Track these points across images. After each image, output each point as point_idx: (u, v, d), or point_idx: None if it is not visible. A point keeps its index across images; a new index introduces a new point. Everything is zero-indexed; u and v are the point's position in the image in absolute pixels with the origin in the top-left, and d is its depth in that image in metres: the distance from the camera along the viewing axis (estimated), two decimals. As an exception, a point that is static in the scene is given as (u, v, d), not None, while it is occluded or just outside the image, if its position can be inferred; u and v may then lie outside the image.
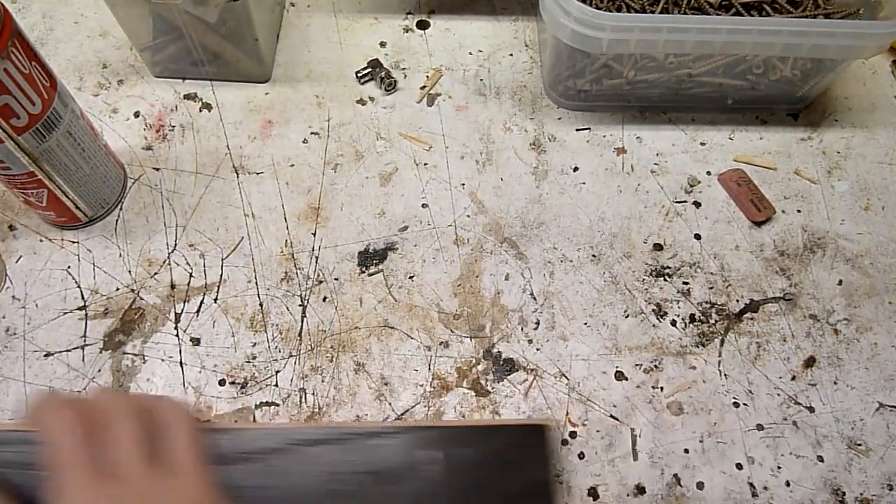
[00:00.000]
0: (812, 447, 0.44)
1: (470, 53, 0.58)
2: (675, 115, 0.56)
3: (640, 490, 0.43)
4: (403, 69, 0.57)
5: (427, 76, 0.57)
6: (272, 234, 0.50)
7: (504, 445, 0.37)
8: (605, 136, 0.54)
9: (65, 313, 0.46)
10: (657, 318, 0.48)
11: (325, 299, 0.48)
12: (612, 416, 0.45)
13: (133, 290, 0.47)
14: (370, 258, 0.49)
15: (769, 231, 0.51)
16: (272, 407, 0.44)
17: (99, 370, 0.45)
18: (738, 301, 0.48)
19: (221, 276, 0.48)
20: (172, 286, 0.48)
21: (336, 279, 0.48)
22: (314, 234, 0.50)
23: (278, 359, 0.46)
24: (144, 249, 0.49)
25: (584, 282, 0.49)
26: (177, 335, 0.46)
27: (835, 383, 0.46)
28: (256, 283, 0.48)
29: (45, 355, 0.45)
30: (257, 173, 0.52)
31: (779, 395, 0.46)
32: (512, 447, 0.37)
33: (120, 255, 0.48)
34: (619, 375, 0.46)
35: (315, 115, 0.55)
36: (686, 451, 0.44)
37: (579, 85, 0.53)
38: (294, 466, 0.35)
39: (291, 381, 0.45)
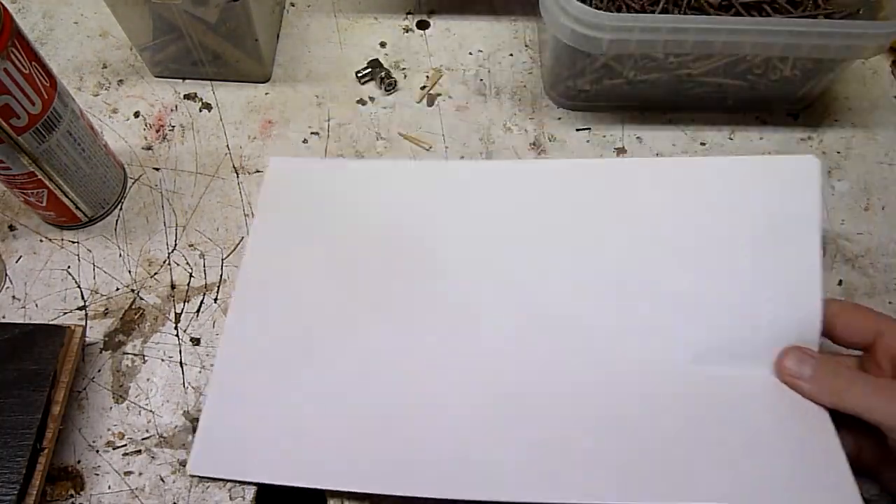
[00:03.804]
0: (812, 447, 0.44)
1: (470, 53, 0.58)
2: (675, 115, 0.55)
3: (640, 490, 0.42)
4: (403, 69, 0.57)
5: (427, 76, 0.57)
6: (272, 234, 0.50)
7: (9, 338, 0.42)
8: (605, 136, 0.54)
9: (65, 313, 0.46)
10: (657, 318, 0.48)
11: (325, 299, 0.48)
12: (612, 416, 0.45)
13: (133, 290, 0.47)
14: (370, 258, 0.49)
15: (769, 231, 0.51)
16: (272, 407, 0.44)
17: (99, 370, 0.45)
18: (738, 301, 0.48)
19: (221, 276, 0.48)
20: (172, 286, 0.48)
21: (336, 279, 0.48)
22: (314, 234, 0.50)
23: (278, 359, 0.46)
24: (144, 249, 0.49)
25: (584, 282, 0.49)
26: (177, 335, 0.46)
27: (835, 383, 0.46)
28: (256, 283, 0.48)
29: (45, 355, 0.45)
30: (257, 173, 0.52)
31: (779, 395, 0.45)
32: (18, 342, 0.41)
33: (120, 255, 0.48)
34: (619, 375, 0.46)
35: (315, 115, 0.55)
36: (686, 451, 0.44)
37: (579, 85, 0.53)
38: None
39: (291, 381, 0.45)
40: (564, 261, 0.45)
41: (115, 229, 0.49)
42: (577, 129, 0.55)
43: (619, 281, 0.44)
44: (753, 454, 0.38)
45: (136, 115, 0.54)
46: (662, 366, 0.41)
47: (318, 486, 0.40)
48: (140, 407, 0.44)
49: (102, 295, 0.47)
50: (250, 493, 0.41)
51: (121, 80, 0.56)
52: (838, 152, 0.55)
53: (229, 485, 0.41)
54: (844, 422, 0.38)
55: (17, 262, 0.48)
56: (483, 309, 0.45)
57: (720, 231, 0.43)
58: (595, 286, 0.44)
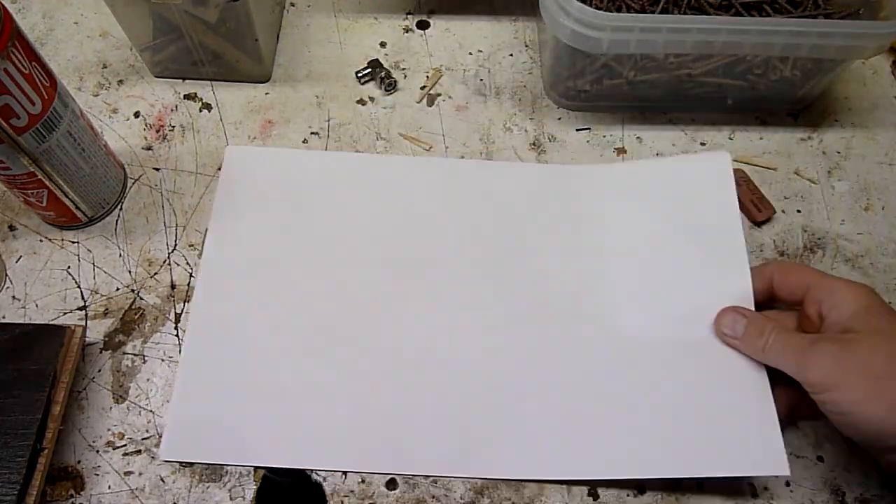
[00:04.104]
0: (812, 447, 0.44)
1: (470, 53, 0.58)
2: (675, 115, 0.56)
3: (640, 490, 0.42)
4: (403, 69, 0.57)
5: (427, 76, 0.57)
6: (272, 234, 0.50)
7: (9, 338, 0.42)
8: (605, 137, 0.54)
9: (65, 313, 0.46)
10: (657, 318, 0.48)
11: (325, 299, 0.48)
12: (612, 416, 0.45)
13: (133, 290, 0.47)
14: (370, 258, 0.49)
15: (769, 231, 0.51)
16: (272, 407, 0.44)
17: (99, 370, 0.45)
18: (738, 301, 0.48)
19: (221, 276, 0.48)
20: (172, 286, 0.48)
21: (336, 279, 0.48)
22: (314, 234, 0.50)
23: (278, 359, 0.46)
24: (144, 249, 0.49)
25: (584, 282, 0.49)
26: (177, 335, 0.46)
27: (835, 383, 0.46)
28: (256, 283, 0.48)
29: (45, 355, 0.45)
30: (257, 173, 0.52)
31: (779, 395, 0.46)
32: (18, 342, 0.42)
33: (120, 255, 0.48)
34: (619, 375, 0.46)
35: (315, 115, 0.55)
36: (686, 451, 0.44)
37: (579, 85, 0.53)
38: None
39: (291, 381, 0.45)
40: (519, 252, 0.48)
41: (115, 229, 0.49)
42: (577, 129, 0.55)
43: (572, 267, 0.48)
44: (693, 411, 0.42)
45: (136, 115, 0.54)
46: (615, 336, 0.45)
47: (292, 466, 0.42)
48: (140, 407, 0.44)
49: (102, 295, 0.47)
50: (250, 492, 0.41)
51: (121, 80, 0.56)
52: (838, 152, 0.55)
53: (229, 484, 0.41)
54: None
55: (17, 262, 0.48)
56: (439, 294, 0.47)
57: (655, 220, 0.48)
58: (549, 274, 0.48)
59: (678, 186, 0.49)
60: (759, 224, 0.51)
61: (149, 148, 0.53)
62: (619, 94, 0.54)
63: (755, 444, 0.40)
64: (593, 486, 0.42)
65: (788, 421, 0.40)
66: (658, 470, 0.41)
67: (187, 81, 0.56)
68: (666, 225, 0.48)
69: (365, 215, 0.50)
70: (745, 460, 0.40)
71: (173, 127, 0.54)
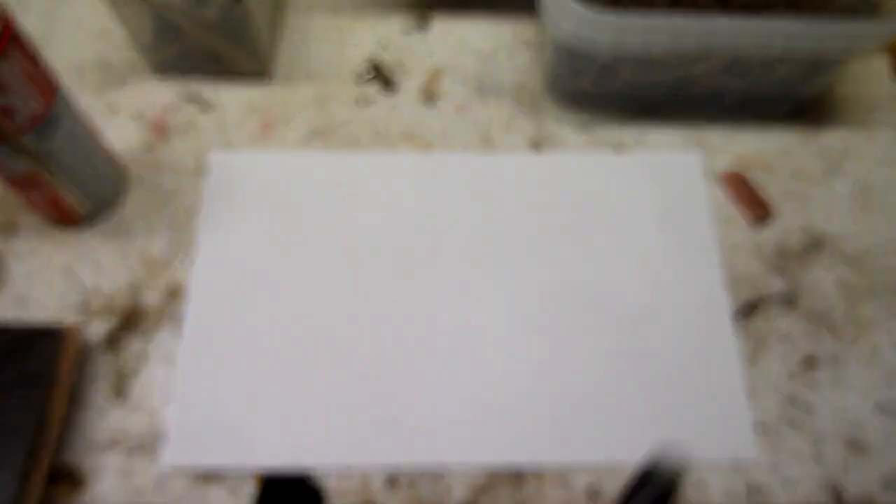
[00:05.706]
0: (812, 447, 0.44)
1: (470, 53, 0.58)
2: (675, 115, 0.56)
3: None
4: (403, 69, 0.57)
5: (427, 76, 0.57)
6: (272, 234, 0.50)
7: (9, 338, 0.42)
8: (605, 137, 0.54)
9: (65, 313, 0.46)
10: (657, 318, 0.48)
11: (325, 299, 0.48)
12: (612, 416, 0.45)
13: (133, 290, 0.47)
14: (370, 258, 0.49)
15: (769, 231, 0.51)
16: (272, 407, 0.44)
17: (99, 370, 0.45)
18: (737, 301, 0.49)
19: (221, 276, 0.48)
20: (172, 286, 0.48)
21: (336, 279, 0.48)
22: (314, 234, 0.50)
23: (278, 359, 0.46)
24: (144, 249, 0.49)
25: (584, 282, 0.49)
26: (177, 335, 0.46)
27: (835, 383, 0.46)
28: (256, 283, 0.48)
29: (46, 355, 0.45)
30: (257, 173, 0.52)
31: (778, 395, 0.46)
32: (18, 342, 0.42)
33: (120, 256, 0.49)
34: (619, 375, 0.46)
35: (315, 115, 0.55)
36: (686, 451, 0.44)
37: (579, 85, 0.53)
38: None
39: (291, 381, 0.45)
40: (517, 242, 0.50)
41: (116, 229, 0.49)
42: (578, 129, 0.55)
43: (568, 255, 0.49)
44: (672, 398, 0.45)
45: (137, 115, 0.54)
46: (605, 322, 0.47)
47: (292, 466, 0.42)
48: (140, 407, 0.44)
49: (102, 295, 0.47)
50: (250, 492, 0.41)
51: (121, 80, 0.56)
52: (838, 152, 0.55)
53: (230, 484, 0.41)
54: None
55: (17, 262, 0.48)
56: (436, 290, 0.48)
57: (629, 217, 0.51)
58: (547, 263, 0.49)
59: (653, 184, 0.52)
60: (758, 224, 0.51)
61: (149, 148, 0.53)
62: (619, 94, 0.54)
63: (727, 428, 0.44)
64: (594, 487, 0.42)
65: None
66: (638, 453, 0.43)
67: (187, 81, 0.56)
68: (641, 221, 0.51)
69: (357, 213, 0.50)
70: (719, 443, 0.44)
71: (173, 127, 0.54)
